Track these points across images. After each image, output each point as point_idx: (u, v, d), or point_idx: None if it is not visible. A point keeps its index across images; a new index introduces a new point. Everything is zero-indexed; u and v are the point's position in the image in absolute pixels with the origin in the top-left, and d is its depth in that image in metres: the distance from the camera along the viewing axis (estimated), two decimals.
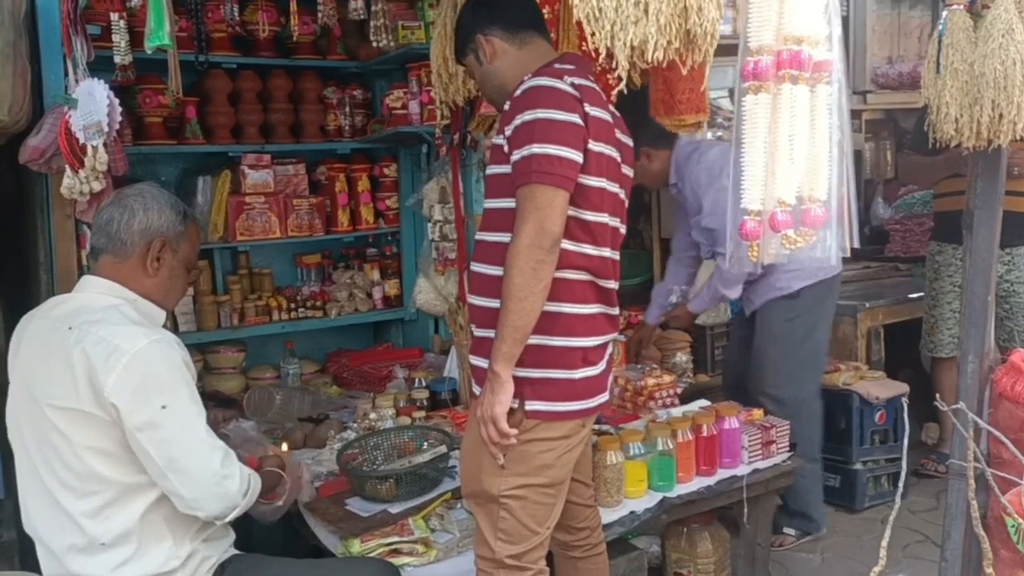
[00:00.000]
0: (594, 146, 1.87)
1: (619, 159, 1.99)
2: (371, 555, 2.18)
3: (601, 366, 1.99)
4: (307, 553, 2.47)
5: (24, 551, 2.71)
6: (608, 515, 2.44)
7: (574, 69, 1.93)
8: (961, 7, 1.87)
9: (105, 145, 2.35)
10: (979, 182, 2.04)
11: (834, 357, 4.02)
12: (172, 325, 3.54)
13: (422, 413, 3.23)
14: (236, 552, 1.96)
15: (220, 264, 4.03)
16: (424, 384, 3.50)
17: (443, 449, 2.64)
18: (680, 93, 3.32)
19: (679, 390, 3.26)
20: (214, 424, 2.29)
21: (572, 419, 1.94)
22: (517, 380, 1.84)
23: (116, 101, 2.34)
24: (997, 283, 2.38)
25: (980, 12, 1.85)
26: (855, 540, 3.48)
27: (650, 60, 1.30)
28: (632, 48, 1.30)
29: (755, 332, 3.39)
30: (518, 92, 1.88)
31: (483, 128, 3.12)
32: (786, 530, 3.37)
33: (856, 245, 1.36)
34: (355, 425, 3.11)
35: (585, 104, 1.86)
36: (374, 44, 3.43)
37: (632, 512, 2.52)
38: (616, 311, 2.03)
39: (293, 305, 4.09)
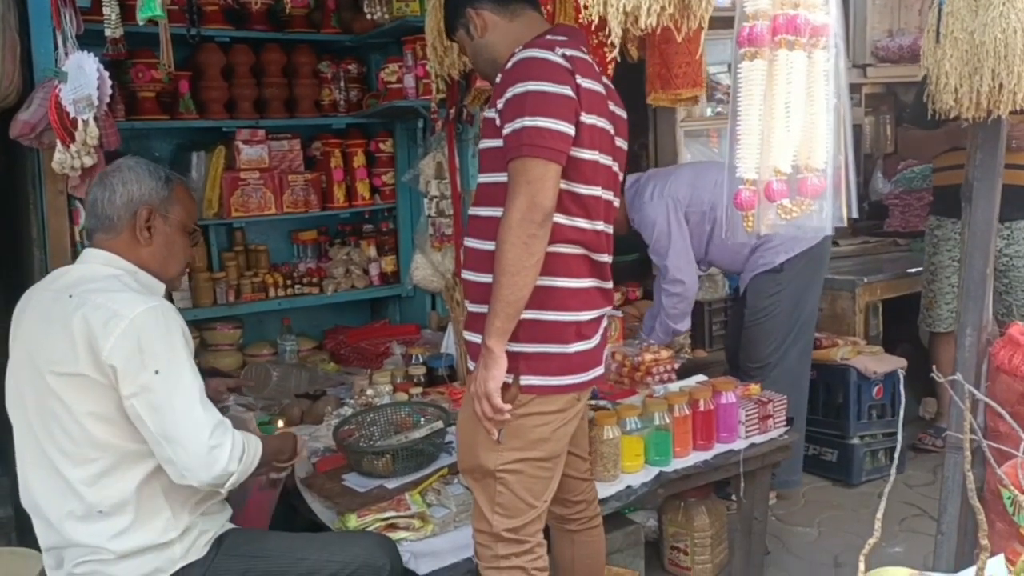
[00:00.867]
0: (586, 118, 1.85)
1: (612, 131, 1.97)
2: (367, 530, 2.19)
3: (596, 340, 1.98)
4: (304, 528, 2.46)
5: (21, 528, 2.72)
6: (605, 489, 2.44)
7: (566, 40, 1.90)
8: None
9: (96, 119, 2.33)
10: (978, 154, 2.03)
11: (832, 332, 4.02)
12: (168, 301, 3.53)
13: (419, 389, 3.23)
14: (232, 526, 1.96)
15: (216, 241, 4.00)
16: (421, 360, 3.50)
17: (440, 425, 2.64)
18: (677, 67, 3.30)
19: (676, 365, 3.25)
20: (216, 395, 2.30)
21: (567, 392, 1.93)
22: (511, 355, 1.84)
23: (106, 74, 2.32)
24: (996, 257, 2.38)
25: None
26: (852, 514, 3.49)
27: (643, 26, 1.27)
28: (625, 14, 1.27)
29: (744, 307, 3.41)
30: (509, 64, 1.86)
31: (479, 102, 3.09)
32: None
33: (855, 215, 1.35)
34: (352, 401, 3.10)
35: (577, 76, 1.83)
36: (368, 17, 3.40)
37: (629, 487, 2.51)
38: (610, 285, 2.02)
39: (289, 282, 4.07)
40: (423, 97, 3.61)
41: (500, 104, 1.84)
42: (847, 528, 3.36)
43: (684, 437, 2.66)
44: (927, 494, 3.53)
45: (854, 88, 5.08)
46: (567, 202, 1.85)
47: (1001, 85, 1.76)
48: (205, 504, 1.88)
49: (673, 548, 2.95)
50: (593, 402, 2.71)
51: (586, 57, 1.91)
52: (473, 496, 2.00)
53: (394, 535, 2.18)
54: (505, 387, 1.85)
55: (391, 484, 2.45)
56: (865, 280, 4.13)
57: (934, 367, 1.22)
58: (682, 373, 3.23)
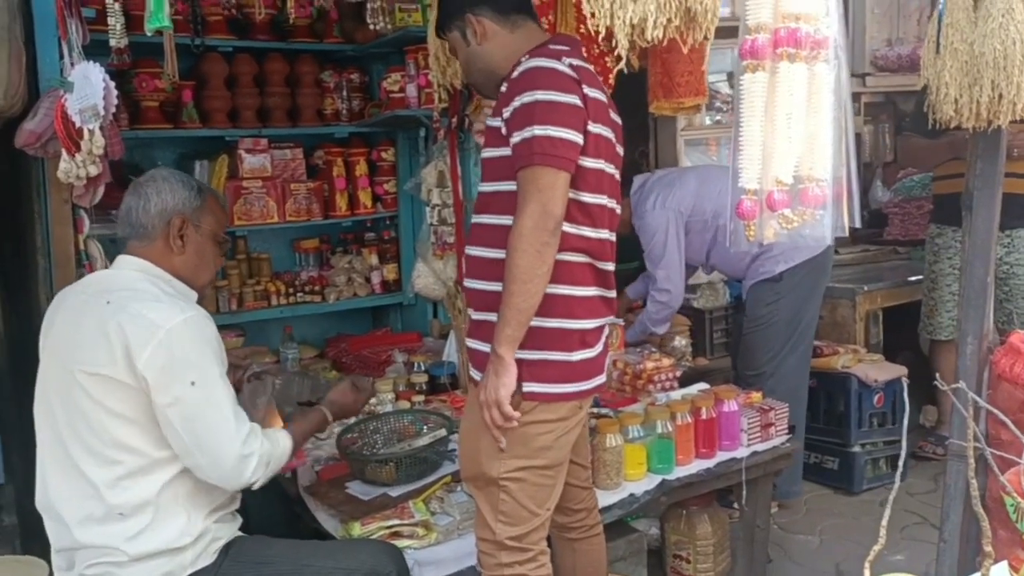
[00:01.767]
0: (593, 127, 1.86)
1: (613, 139, 1.99)
2: (371, 538, 2.19)
3: (598, 348, 1.99)
4: (307, 536, 2.47)
5: (25, 535, 2.73)
6: (607, 497, 2.45)
7: (569, 50, 1.92)
8: None
9: (101, 128, 2.33)
10: (979, 163, 2.04)
11: (832, 340, 4.03)
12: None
13: (421, 397, 3.24)
14: (240, 534, 1.98)
15: None
16: (423, 368, 3.50)
17: (442, 432, 2.65)
18: (679, 76, 3.33)
19: (678, 373, 3.26)
20: (237, 361, 2.35)
21: (570, 400, 1.94)
22: (514, 362, 1.84)
23: (112, 84, 2.33)
24: (996, 265, 2.38)
25: None
26: (853, 522, 3.50)
27: (650, 38, 1.29)
28: (632, 26, 1.29)
29: (744, 316, 3.43)
30: (515, 73, 1.87)
31: (481, 111, 3.10)
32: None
33: (857, 224, 1.36)
34: None
35: (584, 85, 1.85)
36: (371, 27, 3.41)
37: (631, 495, 2.52)
38: (613, 293, 2.03)
39: (291, 290, 4.08)
40: (425, 106, 3.63)
41: (507, 113, 1.85)
42: (849, 536, 3.37)
43: (686, 445, 2.67)
44: (928, 502, 3.54)
45: (853, 97, 5.08)
46: (573, 211, 1.86)
47: (1000, 95, 1.77)
48: (220, 512, 1.90)
49: (676, 556, 2.96)
50: (595, 410, 2.72)
51: (589, 67, 1.93)
52: (476, 504, 2.01)
53: (398, 543, 2.18)
54: (511, 397, 1.85)
55: (395, 492, 2.46)
56: (865, 288, 4.15)
57: (936, 375, 1.23)
58: (683, 381, 3.24)
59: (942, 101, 1.89)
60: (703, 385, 3.09)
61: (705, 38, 1.37)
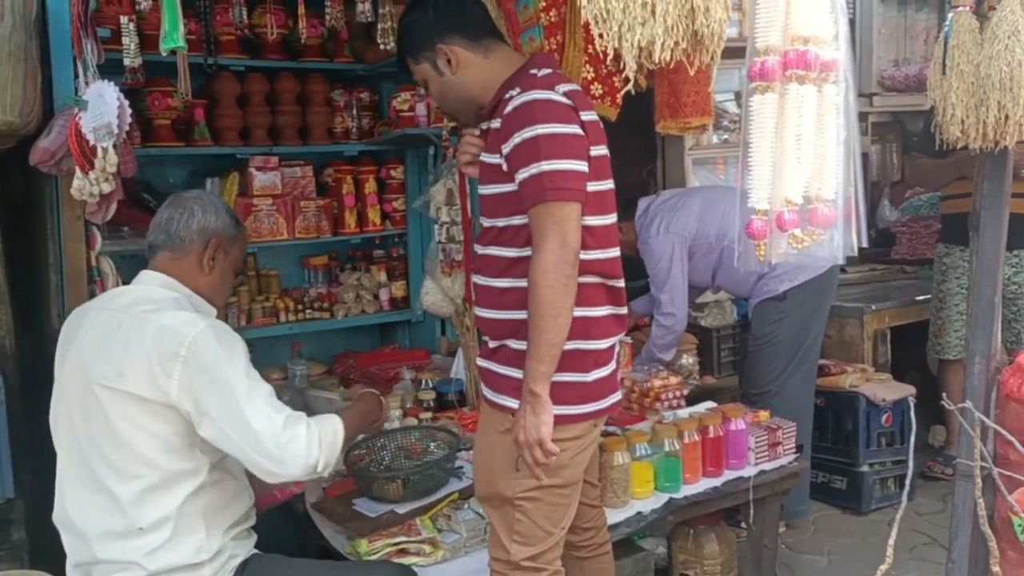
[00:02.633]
0: (594, 151, 1.88)
1: (607, 153, 1.99)
2: (379, 555, 2.20)
3: (611, 366, 2.00)
4: (314, 553, 2.47)
5: (33, 551, 2.73)
6: (615, 516, 2.45)
7: (556, 74, 1.90)
8: (967, 9, 1.88)
9: (115, 146, 2.36)
10: (986, 183, 2.05)
11: (840, 359, 4.03)
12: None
13: (429, 414, 3.24)
14: (256, 551, 1.98)
15: None
16: (431, 385, 3.51)
17: (450, 450, 2.65)
18: (685, 96, 3.35)
19: (685, 392, 3.26)
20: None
21: (586, 420, 1.94)
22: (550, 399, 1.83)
23: (126, 103, 2.35)
24: (1004, 285, 2.39)
25: (986, 14, 1.86)
26: (861, 542, 3.48)
27: (658, 61, 1.31)
28: (640, 49, 1.31)
29: (748, 334, 3.44)
30: (509, 108, 1.84)
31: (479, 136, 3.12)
32: None
33: (864, 244, 1.37)
34: None
35: (580, 112, 1.85)
36: (381, 47, 3.44)
37: (639, 513, 2.52)
38: (624, 311, 2.03)
39: (300, 306, 4.10)
40: (434, 125, 3.66)
41: (506, 149, 1.83)
42: (857, 556, 3.35)
43: (694, 464, 2.67)
44: (937, 522, 3.52)
45: (860, 117, 5.12)
46: (583, 237, 1.85)
47: (1007, 116, 1.78)
48: (236, 529, 1.91)
49: (683, 575, 2.94)
50: (603, 427, 2.73)
51: (578, 88, 1.93)
52: (491, 524, 2.00)
53: (405, 560, 2.19)
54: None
55: (401, 509, 2.46)
56: (873, 307, 4.15)
57: (944, 395, 1.24)
58: (691, 400, 3.24)
59: (949, 122, 1.91)
60: (710, 403, 3.09)
61: (712, 60, 1.39)
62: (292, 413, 1.87)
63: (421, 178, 4.25)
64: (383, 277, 4.33)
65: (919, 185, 4.86)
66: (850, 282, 4.57)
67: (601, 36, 1.35)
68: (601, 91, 3.17)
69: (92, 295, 2.53)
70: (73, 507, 1.85)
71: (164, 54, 2.14)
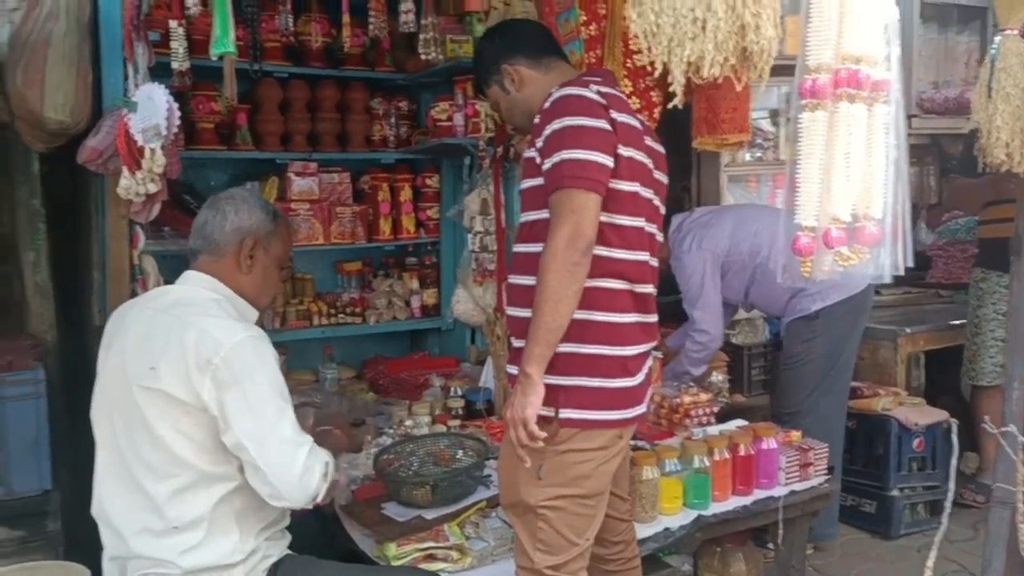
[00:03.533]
0: (624, 151, 1.90)
1: (651, 165, 2.02)
2: (407, 559, 2.21)
3: (640, 377, 1.99)
4: (341, 555, 2.49)
5: (68, 542, 2.78)
6: (643, 531, 2.44)
7: (600, 80, 1.98)
8: (1016, 32, 1.87)
9: (163, 148, 2.41)
10: None
11: (873, 381, 3.99)
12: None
13: (457, 422, 3.26)
14: (289, 552, 1.99)
15: None
16: (460, 393, 3.52)
17: (478, 458, 2.66)
18: (723, 112, 3.35)
19: (715, 409, 3.25)
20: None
21: (608, 428, 1.94)
22: (550, 388, 1.85)
23: (175, 105, 2.40)
24: None
25: None
26: (890, 567, 3.44)
27: (706, 76, 1.32)
28: (688, 64, 1.32)
29: (780, 353, 3.43)
30: (547, 104, 1.92)
31: (525, 140, 3.15)
32: None
33: (910, 263, 1.36)
34: (391, 431, 3.13)
35: (612, 110, 1.89)
36: (423, 57, 3.48)
37: (667, 528, 2.51)
38: (654, 318, 2.04)
39: (333, 311, 4.13)
40: (471, 135, 3.68)
41: (539, 143, 1.90)
42: None
43: (723, 481, 2.66)
44: (968, 550, 3.47)
45: None
46: (608, 234, 1.88)
47: None
48: (270, 530, 1.92)
49: None
50: (631, 442, 2.72)
51: (619, 94, 1.99)
52: (515, 532, 2.01)
53: (432, 566, 2.20)
54: (547, 421, 1.86)
55: (429, 515, 2.46)
56: (907, 330, 4.11)
57: (986, 416, 1.23)
58: (720, 417, 3.22)
59: (992, 145, 1.90)
60: (741, 422, 3.08)
61: (760, 77, 1.40)
62: (312, 444, 1.87)
63: (456, 187, 4.28)
64: (415, 284, 4.35)
65: (956, 205, 4.81)
66: (884, 304, 4.53)
67: (649, 50, 1.36)
68: (639, 105, 3.18)
69: (133, 293, 2.58)
70: (110, 503, 1.87)
71: (214, 58, 2.19)
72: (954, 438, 1.19)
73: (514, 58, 2.11)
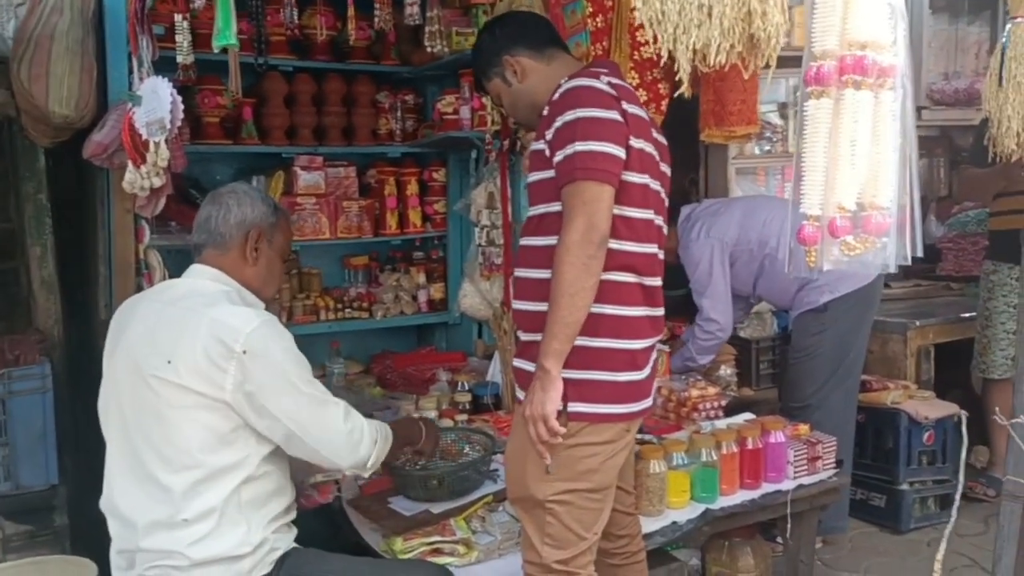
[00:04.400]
0: (635, 143, 1.88)
1: (657, 157, 2.01)
2: (414, 553, 2.20)
3: (647, 371, 1.99)
4: (348, 549, 2.48)
5: (75, 537, 2.78)
6: (649, 524, 2.43)
7: (608, 71, 1.96)
8: None
9: (167, 141, 2.40)
10: None
11: (882, 375, 3.96)
12: None
13: (464, 416, 3.25)
14: (296, 545, 1.99)
15: None
16: (467, 388, 3.52)
17: (485, 452, 2.65)
18: (731, 104, 3.33)
19: (723, 403, 3.23)
20: None
21: (616, 422, 1.93)
22: (560, 377, 1.84)
23: (179, 99, 2.39)
24: None
25: None
26: (899, 561, 3.42)
27: (712, 64, 1.30)
28: (694, 52, 1.30)
29: (789, 346, 3.40)
30: (556, 95, 1.90)
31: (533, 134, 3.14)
32: None
33: (919, 254, 1.34)
34: None
35: (623, 102, 1.88)
36: (428, 50, 3.47)
37: (674, 522, 2.50)
38: (660, 312, 2.02)
39: (340, 305, 4.13)
40: (478, 128, 3.68)
41: (549, 135, 1.88)
42: (895, 575, 3.29)
43: (731, 475, 2.64)
44: (978, 544, 3.45)
45: None
46: (618, 226, 1.87)
47: None
48: (278, 522, 1.92)
49: None
50: (638, 436, 2.71)
51: (627, 85, 1.97)
52: (523, 527, 2.00)
53: (439, 560, 2.19)
54: (556, 414, 1.86)
55: (436, 509, 2.46)
56: (917, 323, 4.08)
57: (995, 410, 1.21)
58: (728, 411, 3.21)
59: (1003, 134, 1.88)
60: (748, 415, 3.06)
61: (767, 65, 1.38)
62: (347, 407, 1.94)
63: (463, 181, 4.27)
64: (422, 279, 4.35)
65: (966, 195, 4.77)
66: (894, 297, 4.50)
67: (655, 38, 1.34)
68: (646, 97, 3.16)
69: (139, 287, 2.57)
70: (121, 496, 1.87)
71: (216, 51, 2.18)
72: (964, 431, 1.17)
73: (516, 49, 2.08)
